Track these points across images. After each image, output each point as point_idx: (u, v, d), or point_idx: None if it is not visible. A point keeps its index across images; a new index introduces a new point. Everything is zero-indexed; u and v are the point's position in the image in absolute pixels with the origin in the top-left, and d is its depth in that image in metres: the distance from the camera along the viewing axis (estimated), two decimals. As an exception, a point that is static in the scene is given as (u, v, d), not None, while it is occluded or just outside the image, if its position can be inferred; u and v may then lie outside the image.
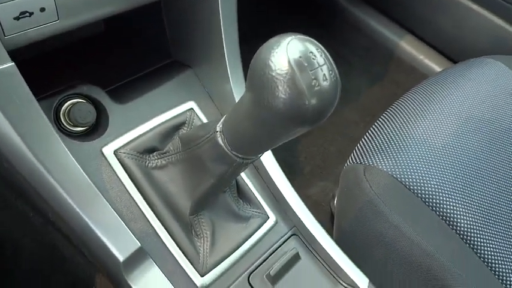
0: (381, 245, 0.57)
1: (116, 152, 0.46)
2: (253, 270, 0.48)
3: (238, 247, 0.48)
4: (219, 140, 0.37)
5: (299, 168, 0.96)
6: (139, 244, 0.42)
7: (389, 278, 0.57)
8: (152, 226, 0.46)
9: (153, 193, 0.46)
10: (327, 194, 0.82)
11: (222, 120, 0.38)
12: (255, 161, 0.53)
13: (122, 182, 0.46)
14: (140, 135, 0.48)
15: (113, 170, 0.46)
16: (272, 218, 0.52)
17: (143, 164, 0.47)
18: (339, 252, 0.51)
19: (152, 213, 0.46)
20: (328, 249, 0.51)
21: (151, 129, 0.48)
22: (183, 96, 0.53)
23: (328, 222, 0.79)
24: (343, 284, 0.50)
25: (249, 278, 0.47)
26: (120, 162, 0.46)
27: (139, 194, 0.46)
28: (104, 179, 0.46)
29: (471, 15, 1.00)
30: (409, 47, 1.16)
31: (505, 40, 0.97)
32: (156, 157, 0.47)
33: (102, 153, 0.46)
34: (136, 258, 0.43)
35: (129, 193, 0.46)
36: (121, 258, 0.41)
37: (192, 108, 0.52)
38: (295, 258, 0.50)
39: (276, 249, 0.50)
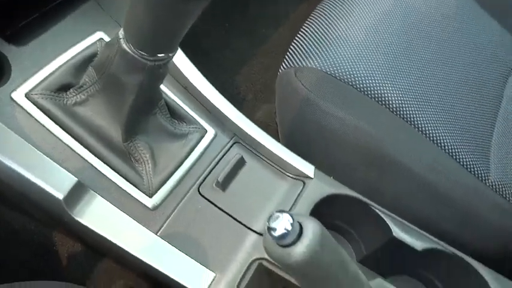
0: (323, 136, 0.59)
1: (27, 95, 0.44)
2: (202, 182, 0.48)
3: (181, 163, 0.48)
4: (124, 45, 0.36)
5: (242, 98, 0.96)
6: (76, 178, 0.41)
7: (333, 163, 0.59)
8: (87, 161, 0.45)
9: (81, 129, 0.45)
10: (273, 113, 0.83)
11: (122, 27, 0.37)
12: (183, 82, 0.53)
13: (42, 125, 0.44)
14: (51, 74, 0.45)
15: (29, 114, 0.44)
16: (211, 131, 0.52)
17: (61, 102, 0.45)
18: (283, 148, 0.53)
19: (84, 149, 0.45)
20: (271, 148, 0.52)
21: (61, 66, 0.46)
22: (90, 27, 0.50)
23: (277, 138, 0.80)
24: (291, 175, 0.52)
25: (199, 189, 0.48)
26: (35, 104, 0.44)
27: (65, 134, 0.45)
28: (22, 125, 0.43)
29: None
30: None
31: None
32: (73, 93, 0.45)
33: (13, 99, 0.44)
34: (77, 193, 0.42)
35: (54, 134, 0.44)
36: (60, 196, 0.41)
37: (102, 38, 0.50)
38: (241, 162, 0.51)
39: (220, 159, 0.51)
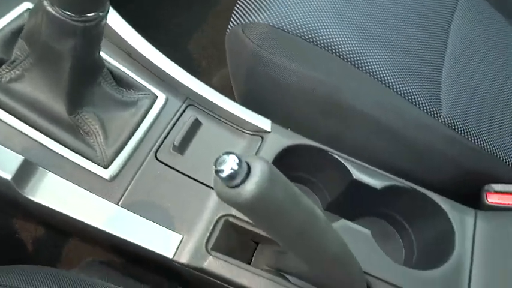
0: (278, 90, 0.59)
1: None
2: (158, 148, 0.48)
3: (134, 131, 0.47)
4: (49, 8, 0.34)
5: (196, 65, 0.94)
6: (23, 157, 0.40)
7: (291, 116, 0.60)
8: (33, 139, 0.43)
9: (21, 107, 0.43)
10: (229, 77, 0.82)
11: None
12: (125, 47, 0.50)
13: None
14: None
15: None
16: (162, 96, 0.50)
17: (-5, 80, 0.42)
18: (238, 106, 0.52)
19: (28, 127, 0.43)
20: (226, 107, 0.52)
21: (-13, 42, 0.43)
22: (14, -1, 0.47)
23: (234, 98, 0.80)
24: (248, 132, 0.52)
25: (156, 155, 0.47)
26: (-36, 85, 0.41)
27: (5, 113, 0.42)
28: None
29: None
30: None
31: None
32: (6, 69, 0.42)
33: None
34: (26, 172, 0.40)
35: (-8, 115, 0.42)
36: (8, 176, 0.39)
37: (29, 8, 0.47)
38: (196, 124, 0.50)
39: (175, 123, 0.50)
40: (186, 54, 0.96)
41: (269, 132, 0.51)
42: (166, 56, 0.52)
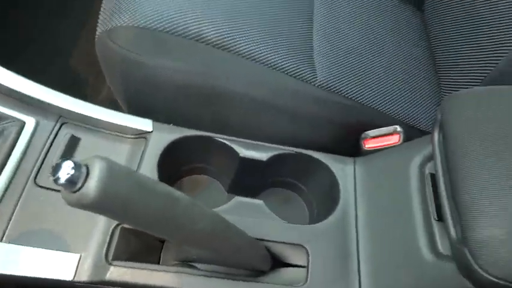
0: (157, 89, 0.59)
1: None
2: (37, 173, 0.46)
3: (5, 163, 0.45)
4: None
5: (84, 82, 0.91)
6: None
7: (176, 112, 0.60)
8: None
9: None
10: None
11: None
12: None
13: None
14: None
15: None
16: (31, 120, 0.49)
17: None
18: (115, 113, 0.52)
19: None
20: (102, 117, 0.51)
21: None
22: None
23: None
24: (130, 137, 0.52)
25: (35, 181, 0.46)
26: None
27: None
28: None
29: None
30: None
31: None
32: None
33: None
34: None
35: None
36: None
37: None
38: (74, 141, 0.49)
39: (51, 145, 0.48)
40: (71, 72, 0.92)
41: (151, 131, 0.51)
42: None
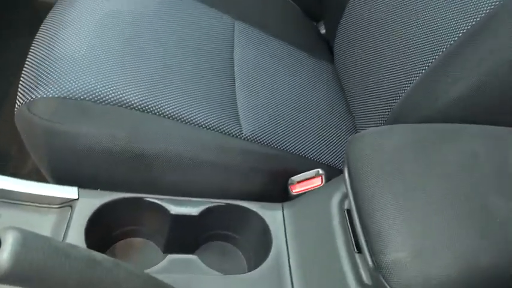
0: (81, 156, 0.59)
1: None
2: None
3: None
4: None
5: (5, 154, 0.88)
6: None
7: (102, 175, 0.60)
8: None
9: None
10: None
11: None
12: None
13: None
14: None
15: None
16: None
17: None
18: (37, 184, 0.51)
19: None
20: (24, 190, 0.50)
21: None
22: None
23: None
24: (55, 206, 0.51)
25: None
26: None
27: None
28: None
29: None
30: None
31: None
32: None
33: None
34: None
35: None
36: None
37: None
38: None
39: None
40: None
41: (77, 199, 0.51)
42: None
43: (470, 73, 0.53)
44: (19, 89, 0.62)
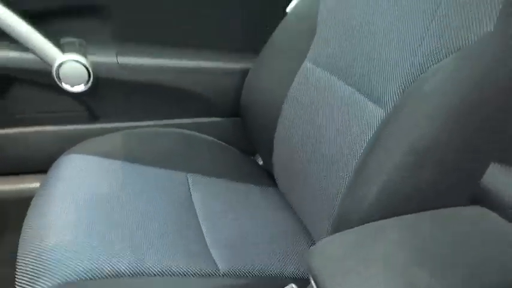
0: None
1: None
2: None
3: None
4: None
5: None
6: None
7: None
8: None
9: None
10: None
11: None
12: None
13: None
14: None
15: None
16: None
17: None
18: None
19: None
20: None
21: None
22: None
23: None
24: None
25: None
26: None
27: None
28: None
29: None
30: None
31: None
32: None
33: None
34: None
35: None
36: None
37: None
38: None
39: None
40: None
41: None
42: None
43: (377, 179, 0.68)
44: (17, 284, 0.68)
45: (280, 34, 1.05)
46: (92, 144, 1.02)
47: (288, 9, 1.09)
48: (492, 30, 0.60)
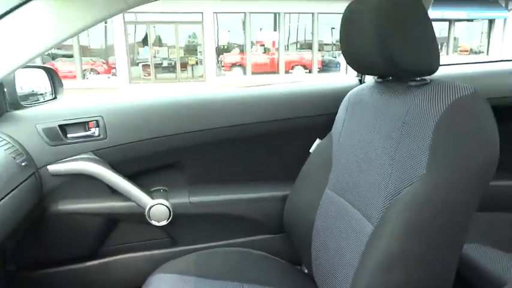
0: None
1: None
2: None
3: None
4: None
5: None
6: None
7: None
8: None
9: None
10: None
11: None
12: None
13: None
14: None
15: None
16: None
17: None
18: None
19: None
20: None
21: None
22: None
23: None
24: None
25: None
26: None
27: None
28: None
29: None
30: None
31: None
32: None
33: None
34: None
35: None
36: None
37: None
38: None
39: None
40: None
41: None
42: None
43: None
44: None
45: (307, 168, 1.39)
46: (174, 264, 1.36)
47: (311, 150, 1.46)
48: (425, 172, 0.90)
